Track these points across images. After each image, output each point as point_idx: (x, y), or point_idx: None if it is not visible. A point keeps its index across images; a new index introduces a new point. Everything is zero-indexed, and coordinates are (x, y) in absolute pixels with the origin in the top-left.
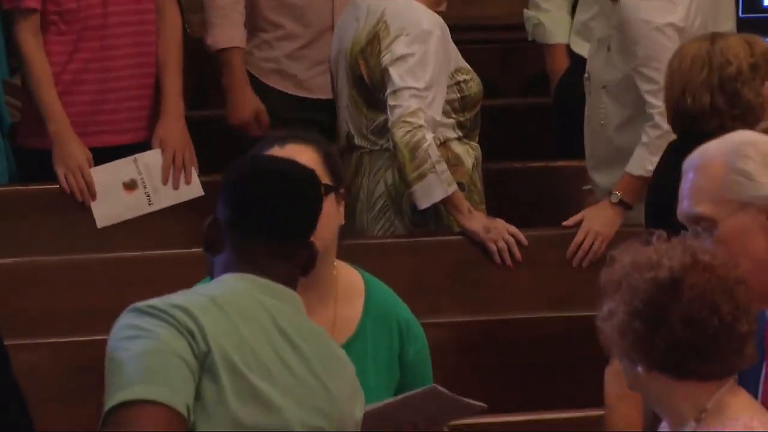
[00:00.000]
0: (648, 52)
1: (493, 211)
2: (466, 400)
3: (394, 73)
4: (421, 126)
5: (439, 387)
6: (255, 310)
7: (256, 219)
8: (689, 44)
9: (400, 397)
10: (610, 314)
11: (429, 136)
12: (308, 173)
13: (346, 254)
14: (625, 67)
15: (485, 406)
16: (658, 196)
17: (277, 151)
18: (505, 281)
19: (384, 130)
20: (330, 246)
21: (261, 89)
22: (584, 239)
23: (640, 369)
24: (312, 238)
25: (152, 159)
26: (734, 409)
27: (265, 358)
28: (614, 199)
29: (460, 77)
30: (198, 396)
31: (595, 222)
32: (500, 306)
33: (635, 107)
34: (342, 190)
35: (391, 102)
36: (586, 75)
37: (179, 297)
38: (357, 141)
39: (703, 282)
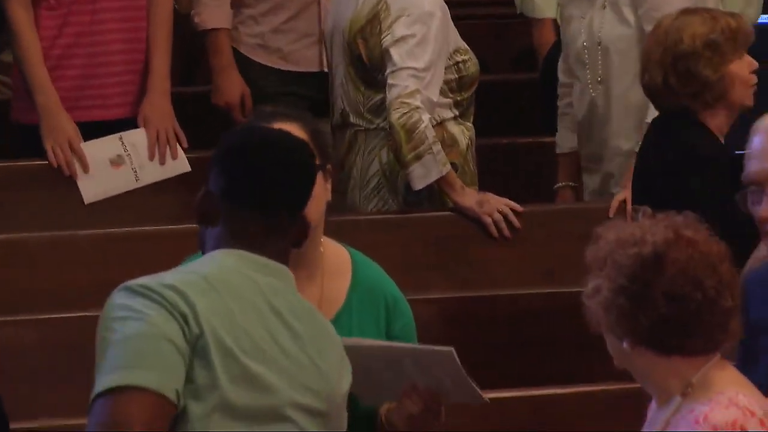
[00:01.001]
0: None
1: (482, 187)
2: (474, 385)
3: (395, 53)
4: (417, 107)
5: (455, 354)
6: (248, 288)
7: (250, 191)
8: (662, 19)
9: (412, 345)
10: (595, 291)
11: (425, 117)
12: (302, 145)
13: (335, 230)
14: (634, 17)
15: (488, 401)
16: (644, 172)
17: None
18: (494, 257)
19: (381, 109)
20: (318, 223)
21: (245, 64)
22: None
23: (625, 345)
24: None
25: (137, 137)
26: (720, 384)
27: (258, 338)
28: None
29: (459, 58)
30: (189, 379)
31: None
32: (488, 282)
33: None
34: (329, 167)
35: (389, 81)
36: (590, 43)
37: (172, 276)
38: (352, 119)
39: (685, 257)
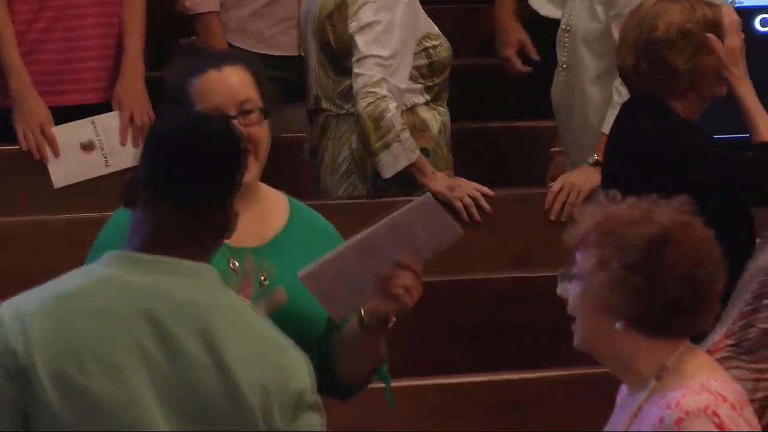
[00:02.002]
0: (628, 0)
1: (454, 172)
2: (451, 219)
3: (360, 40)
4: (384, 96)
5: (432, 197)
6: (116, 300)
7: (166, 181)
8: (644, 1)
9: (388, 218)
10: (600, 267)
11: (392, 105)
12: (230, 134)
13: None
14: (605, 17)
15: (462, 231)
16: (608, 156)
17: (213, 75)
18: (464, 241)
19: (350, 94)
20: (263, 161)
21: None
22: (560, 190)
23: (618, 325)
24: (251, 160)
25: (110, 121)
26: (691, 369)
27: (115, 354)
28: (591, 161)
29: (429, 43)
30: (27, 417)
31: (573, 176)
32: (458, 266)
33: (612, 60)
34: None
35: (355, 69)
36: (565, 28)
37: (34, 295)
38: (324, 104)
39: (691, 240)
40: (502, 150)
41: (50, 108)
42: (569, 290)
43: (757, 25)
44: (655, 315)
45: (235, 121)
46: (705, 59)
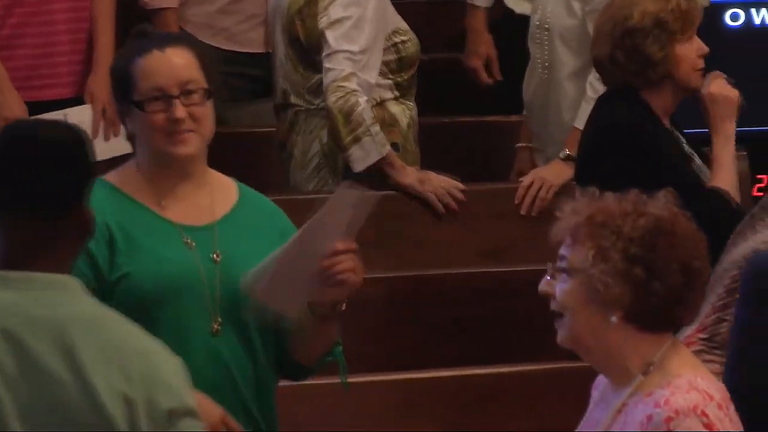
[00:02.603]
0: None
1: (423, 166)
2: (363, 190)
3: (330, 36)
4: (354, 91)
5: (347, 186)
6: None
7: (10, 192)
8: None
9: (314, 219)
10: (600, 259)
11: (362, 100)
12: (68, 141)
13: None
14: (581, 12)
15: (378, 194)
16: (587, 152)
17: (157, 56)
18: (434, 236)
19: (320, 89)
20: (208, 140)
21: None
22: (531, 185)
23: (614, 318)
24: (193, 135)
25: (82, 115)
26: (676, 365)
27: None
28: (562, 156)
29: (398, 38)
30: None
31: (544, 171)
32: (429, 260)
33: (588, 56)
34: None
35: (326, 64)
36: (540, 24)
37: None
38: (293, 99)
39: (684, 231)
40: (470, 144)
41: (28, 103)
42: (556, 286)
43: (727, 19)
44: (654, 307)
45: (177, 100)
46: (679, 48)
